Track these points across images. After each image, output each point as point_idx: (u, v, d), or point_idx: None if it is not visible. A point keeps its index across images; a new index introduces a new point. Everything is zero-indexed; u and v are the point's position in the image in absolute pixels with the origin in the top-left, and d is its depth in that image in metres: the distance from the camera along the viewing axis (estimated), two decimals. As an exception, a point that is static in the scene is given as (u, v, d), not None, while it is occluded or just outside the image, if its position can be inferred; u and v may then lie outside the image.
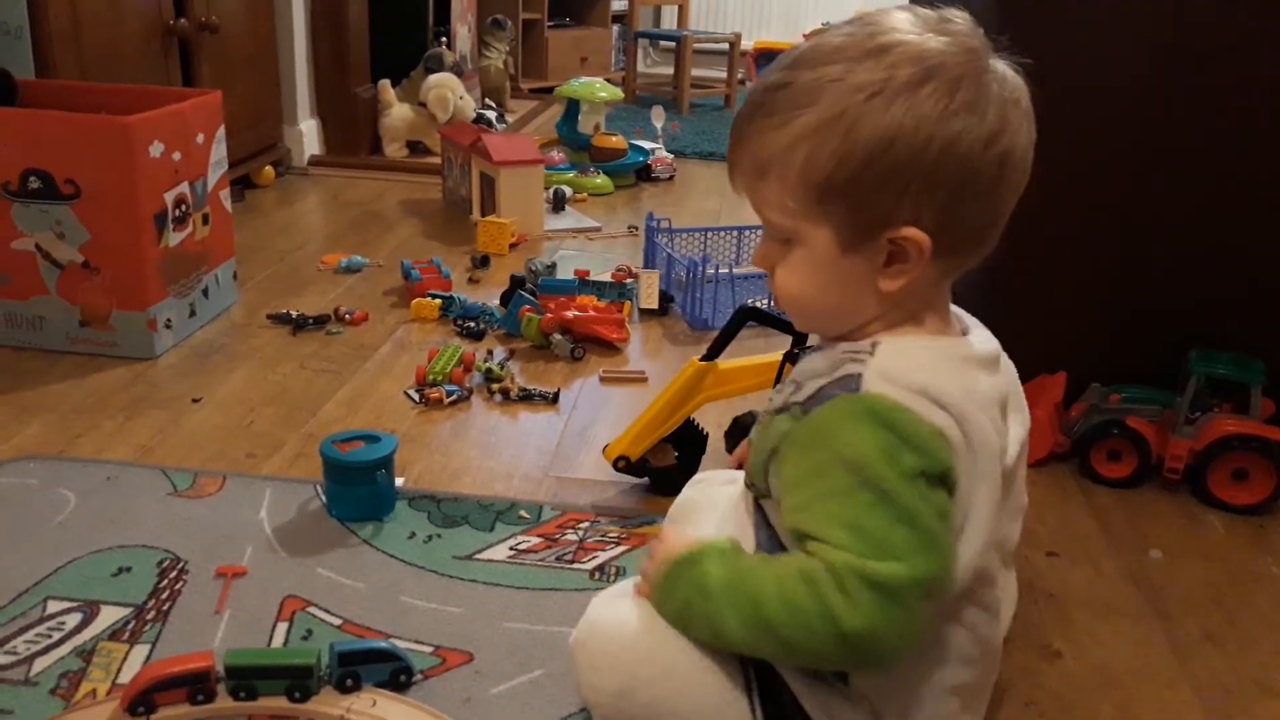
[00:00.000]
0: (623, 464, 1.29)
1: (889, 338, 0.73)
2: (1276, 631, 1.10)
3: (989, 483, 0.71)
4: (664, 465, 1.30)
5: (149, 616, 1.02)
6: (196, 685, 0.89)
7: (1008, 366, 0.78)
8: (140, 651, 0.97)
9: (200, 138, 1.70)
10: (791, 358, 1.17)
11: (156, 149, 1.57)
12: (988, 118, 0.68)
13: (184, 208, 1.66)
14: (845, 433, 0.68)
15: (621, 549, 1.18)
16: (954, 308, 0.79)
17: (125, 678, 0.93)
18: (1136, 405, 1.39)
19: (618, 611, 0.80)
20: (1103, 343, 1.48)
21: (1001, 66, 0.71)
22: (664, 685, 0.76)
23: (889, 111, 0.68)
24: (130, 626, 1.00)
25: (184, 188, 1.66)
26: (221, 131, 1.77)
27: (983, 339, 0.77)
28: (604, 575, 1.13)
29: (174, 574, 1.09)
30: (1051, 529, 1.27)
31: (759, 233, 2.15)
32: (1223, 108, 1.36)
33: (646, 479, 1.32)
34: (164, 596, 1.05)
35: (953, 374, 0.71)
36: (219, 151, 1.77)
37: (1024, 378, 0.79)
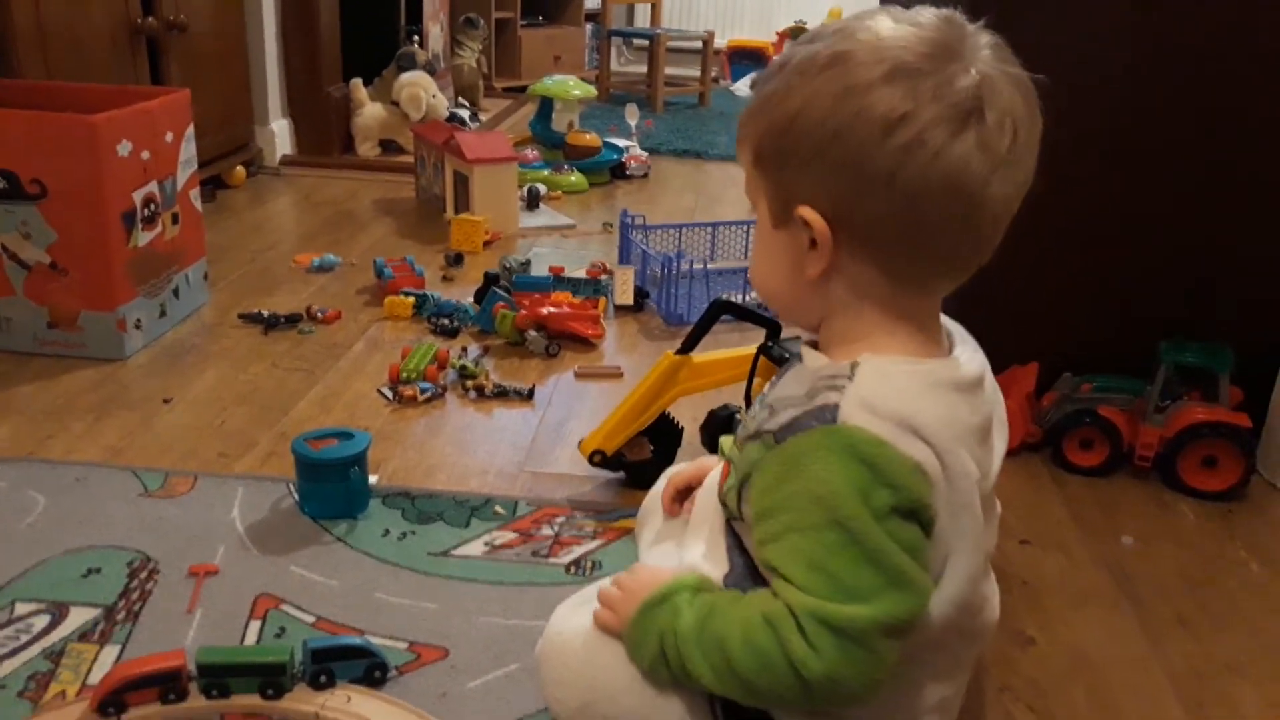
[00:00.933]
0: (598, 458, 1.29)
1: (870, 357, 0.69)
2: (1246, 615, 1.12)
3: (969, 515, 0.69)
4: (639, 459, 1.30)
5: (119, 617, 1.01)
6: (168, 684, 0.88)
7: (990, 385, 0.76)
8: (110, 652, 0.96)
9: (169, 136, 1.69)
10: (765, 350, 1.18)
11: (124, 148, 1.55)
12: (890, 105, 0.65)
13: (153, 207, 1.64)
14: (818, 466, 0.65)
15: (597, 543, 1.18)
16: (944, 319, 0.76)
17: (95, 679, 0.91)
18: (1108, 394, 1.40)
19: (579, 623, 0.79)
20: (1074, 333, 1.49)
21: (964, 72, 0.66)
22: (626, 699, 0.75)
23: (800, 90, 0.68)
24: (100, 627, 0.99)
25: (153, 187, 1.64)
26: (190, 130, 1.76)
27: (968, 356, 0.74)
28: (580, 570, 1.13)
29: (144, 574, 1.08)
30: (1024, 517, 1.28)
31: (733, 228, 2.17)
32: (1193, 104, 1.38)
33: (622, 473, 1.32)
34: (134, 597, 1.04)
35: (935, 403, 0.68)
36: (188, 150, 1.76)
37: (996, 368, 0.79)
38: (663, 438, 1.31)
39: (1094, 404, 1.38)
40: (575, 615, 0.81)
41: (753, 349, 1.18)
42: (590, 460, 1.29)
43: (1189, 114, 1.39)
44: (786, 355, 0.96)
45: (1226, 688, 1.00)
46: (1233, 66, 1.36)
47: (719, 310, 1.24)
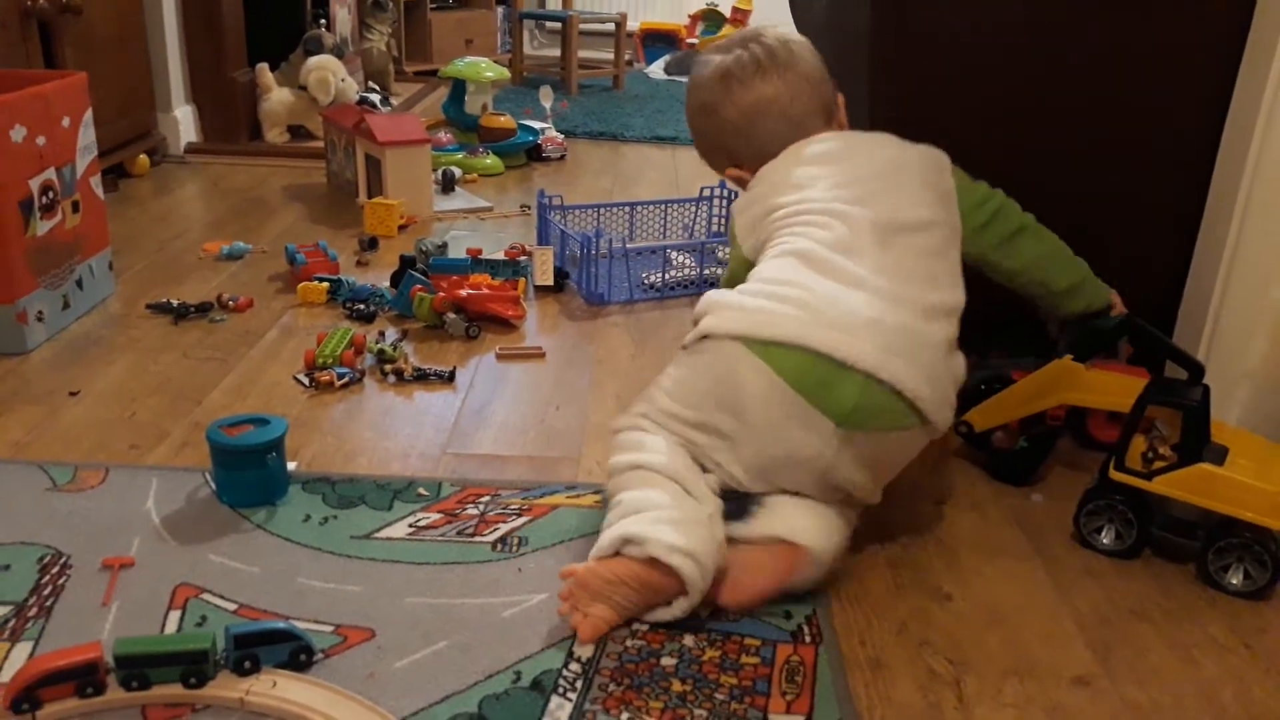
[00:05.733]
0: (964, 429, 1.32)
1: None
2: (1149, 562, 1.16)
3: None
4: (1004, 448, 1.32)
5: (30, 614, 0.98)
6: (85, 678, 0.86)
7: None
8: (23, 649, 0.93)
9: (66, 121, 1.63)
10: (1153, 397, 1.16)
11: (18, 133, 1.50)
12: (726, 105, 1.28)
13: (51, 194, 1.59)
14: None
15: (524, 520, 1.18)
16: None
17: (7, 677, 0.89)
18: (1018, 358, 1.44)
19: None
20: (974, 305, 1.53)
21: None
22: None
23: (690, 121, 1.37)
24: (10, 625, 0.96)
25: (51, 173, 1.59)
26: (89, 115, 1.70)
27: None
28: (506, 546, 1.13)
29: (56, 569, 1.05)
30: (938, 479, 1.32)
31: (651, 208, 2.18)
32: (1079, 64, 1.42)
33: (983, 454, 1.35)
34: (46, 592, 1.01)
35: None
36: (87, 136, 1.70)
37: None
38: (1039, 439, 1.30)
39: (1006, 368, 1.42)
40: None
41: (1143, 382, 1.18)
42: (957, 429, 1.30)
43: (1074, 76, 1.43)
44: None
45: (1131, 630, 1.05)
46: (1116, 31, 1.41)
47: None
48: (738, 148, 1.28)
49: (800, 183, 1.17)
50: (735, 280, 1.20)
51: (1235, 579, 1.11)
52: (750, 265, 1.18)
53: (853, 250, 1.08)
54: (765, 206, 1.19)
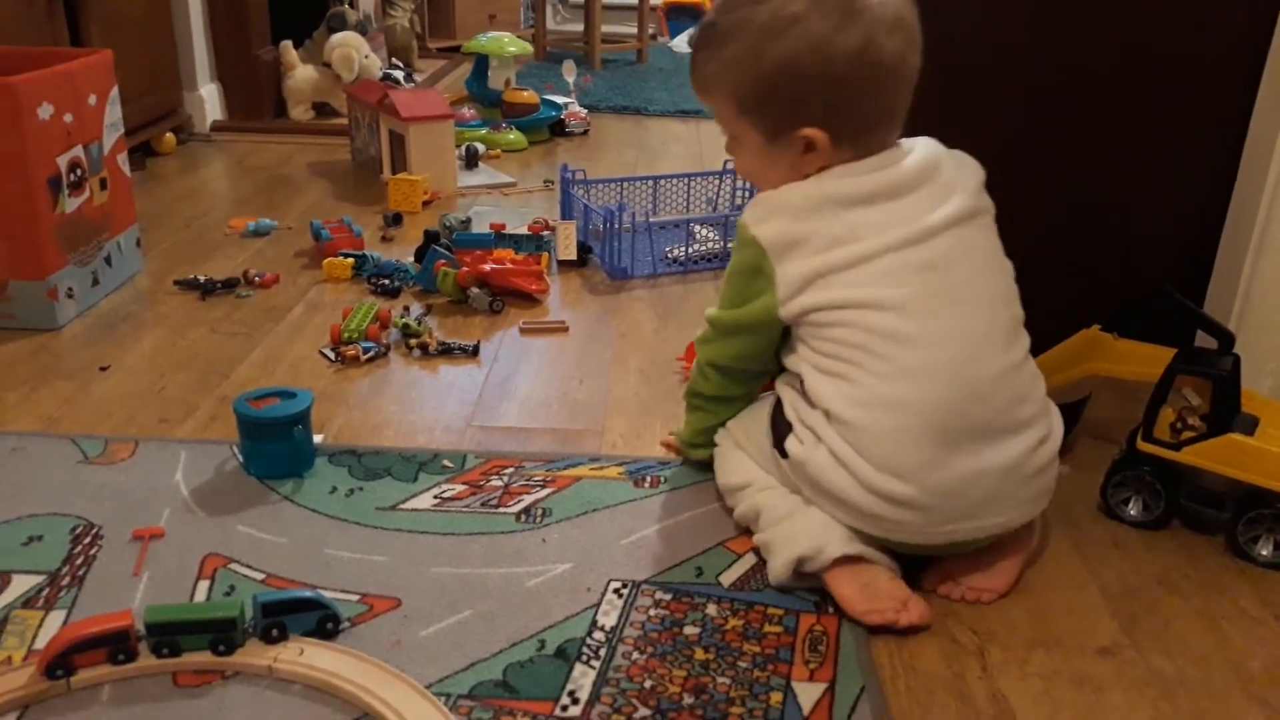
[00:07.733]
0: None
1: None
2: (1176, 533, 1.15)
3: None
4: None
5: (64, 583, 1.00)
6: (117, 645, 0.87)
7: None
8: (56, 617, 0.95)
9: (92, 99, 1.64)
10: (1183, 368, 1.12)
11: (46, 111, 1.51)
12: (853, 37, 0.94)
13: (79, 172, 1.60)
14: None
15: (547, 491, 1.18)
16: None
17: (41, 644, 0.90)
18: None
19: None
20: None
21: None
22: None
23: (781, 44, 0.96)
24: (44, 594, 0.98)
25: (78, 151, 1.60)
26: (115, 93, 1.71)
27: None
28: (530, 517, 1.13)
29: (88, 540, 1.06)
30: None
31: (674, 182, 2.17)
32: (1095, 38, 1.40)
33: None
34: (79, 562, 1.03)
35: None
36: (113, 113, 1.71)
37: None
38: (1067, 410, 1.14)
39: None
40: None
41: (1172, 352, 1.15)
42: None
43: (1104, 48, 1.41)
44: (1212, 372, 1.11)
45: (1158, 601, 1.04)
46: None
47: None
48: (847, 106, 0.97)
49: (856, 248, 0.97)
50: (754, 332, 1.06)
51: (1265, 550, 1.09)
52: (780, 324, 1.03)
53: (909, 370, 0.96)
54: (812, 267, 0.98)
